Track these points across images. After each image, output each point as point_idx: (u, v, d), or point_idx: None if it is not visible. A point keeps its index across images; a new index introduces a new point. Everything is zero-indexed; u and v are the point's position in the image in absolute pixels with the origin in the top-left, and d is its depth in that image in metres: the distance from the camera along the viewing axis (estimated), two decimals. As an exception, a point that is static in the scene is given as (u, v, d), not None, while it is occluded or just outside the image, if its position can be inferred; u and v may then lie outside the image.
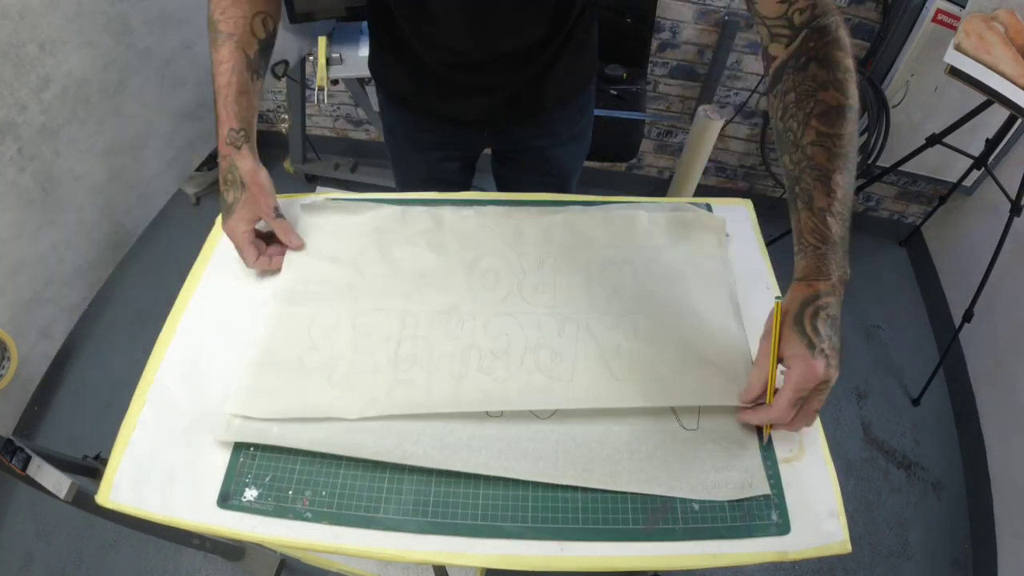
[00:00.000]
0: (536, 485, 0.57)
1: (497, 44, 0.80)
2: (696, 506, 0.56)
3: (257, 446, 0.60)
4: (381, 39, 0.91)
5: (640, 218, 0.78)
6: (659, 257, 0.74)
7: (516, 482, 0.57)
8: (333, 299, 0.71)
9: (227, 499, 0.58)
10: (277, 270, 0.74)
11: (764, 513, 0.55)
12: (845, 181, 0.54)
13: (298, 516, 0.56)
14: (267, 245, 0.75)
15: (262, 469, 0.59)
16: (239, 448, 0.61)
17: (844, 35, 0.55)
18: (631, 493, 0.56)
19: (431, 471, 0.58)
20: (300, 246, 0.75)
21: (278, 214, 0.73)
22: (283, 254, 0.75)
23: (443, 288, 0.72)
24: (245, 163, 0.71)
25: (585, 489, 0.57)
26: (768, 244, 0.78)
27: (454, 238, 0.77)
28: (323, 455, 0.59)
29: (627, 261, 0.74)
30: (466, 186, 1.15)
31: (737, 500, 0.56)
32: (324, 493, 0.58)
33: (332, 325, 0.69)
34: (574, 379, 0.63)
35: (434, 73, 0.85)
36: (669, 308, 0.69)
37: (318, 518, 0.56)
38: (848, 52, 0.55)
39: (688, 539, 0.54)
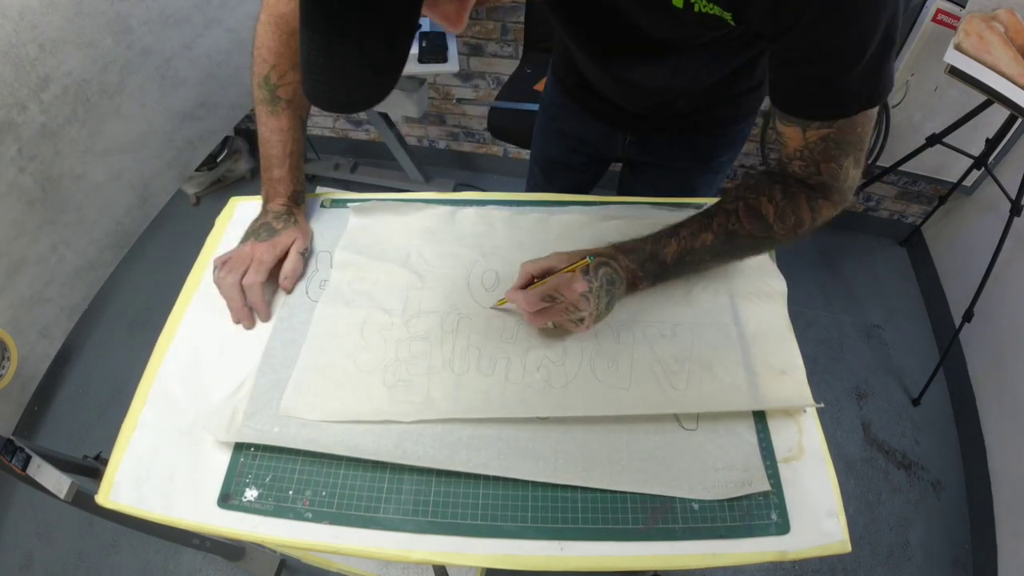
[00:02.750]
0: (536, 485, 0.57)
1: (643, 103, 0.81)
2: (696, 506, 0.56)
3: (257, 446, 0.60)
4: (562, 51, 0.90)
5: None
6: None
7: (516, 482, 0.57)
8: (384, 300, 0.71)
9: (227, 499, 0.58)
10: (252, 320, 0.70)
11: (764, 513, 0.55)
12: (709, 246, 0.64)
13: (298, 516, 0.56)
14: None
15: (262, 469, 0.59)
16: (239, 448, 0.61)
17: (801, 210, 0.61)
18: (631, 493, 0.56)
19: (431, 471, 0.58)
20: (288, 289, 0.72)
21: (303, 254, 0.74)
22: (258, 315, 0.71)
23: (495, 292, 0.71)
24: (302, 217, 0.78)
25: (585, 489, 0.57)
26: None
27: (504, 240, 0.77)
28: (323, 455, 0.59)
29: None
30: (585, 187, 1.10)
31: (736, 499, 0.56)
32: (324, 493, 0.58)
33: (385, 325, 0.68)
34: (631, 387, 0.63)
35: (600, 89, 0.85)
36: (721, 317, 0.69)
37: (318, 518, 0.56)
38: (778, 224, 0.62)
39: (688, 539, 0.54)
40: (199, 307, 0.73)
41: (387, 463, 0.59)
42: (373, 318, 0.69)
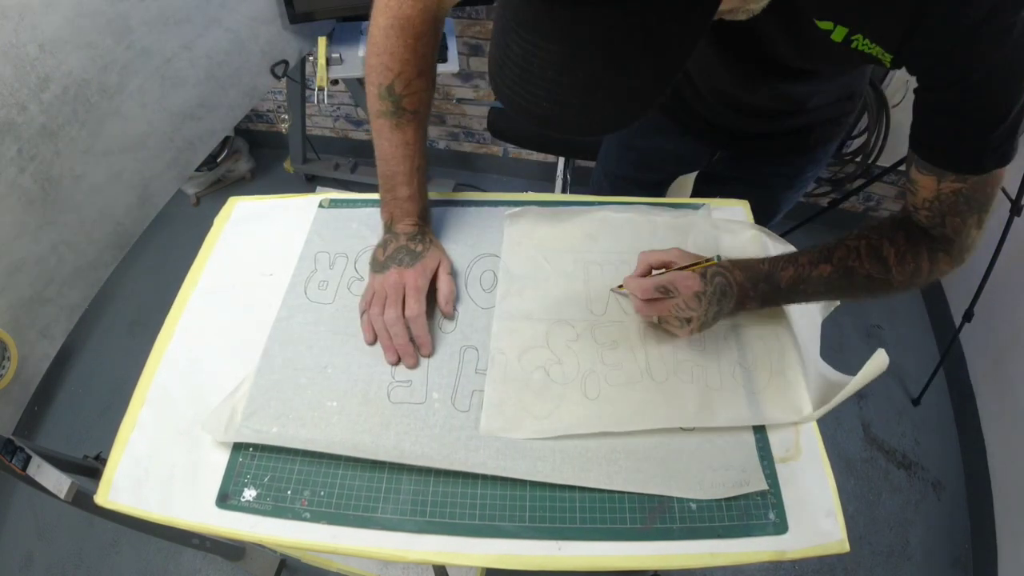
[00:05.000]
0: (534, 484, 0.57)
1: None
2: (693, 505, 0.56)
3: (256, 446, 0.61)
4: None
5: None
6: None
7: (514, 482, 0.57)
8: (562, 310, 0.70)
9: (226, 499, 0.58)
10: (415, 361, 0.66)
11: (761, 513, 0.55)
12: (826, 278, 0.62)
13: (297, 516, 0.57)
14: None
15: (261, 469, 0.60)
16: (238, 448, 0.61)
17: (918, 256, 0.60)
18: (629, 493, 0.56)
19: (429, 471, 0.58)
20: (451, 314, 0.69)
21: (452, 274, 0.71)
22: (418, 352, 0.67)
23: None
24: (432, 234, 0.74)
25: (583, 488, 0.57)
26: (767, 244, 0.78)
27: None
28: (322, 455, 0.59)
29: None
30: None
31: (734, 499, 0.56)
32: (323, 493, 0.58)
33: (572, 337, 0.67)
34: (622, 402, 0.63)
35: (702, 94, 0.83)
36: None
37: (317, 518, 0.56)
38: (898, 265, 0.61)
39: (686, 538, 0.54)
40: (197, 307, 0.73)
41: (385, 463, 0.59)
42: (558, 330, 0.68)
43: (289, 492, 0.58)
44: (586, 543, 0.54)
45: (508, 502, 0.57)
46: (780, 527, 0.55)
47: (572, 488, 0.57)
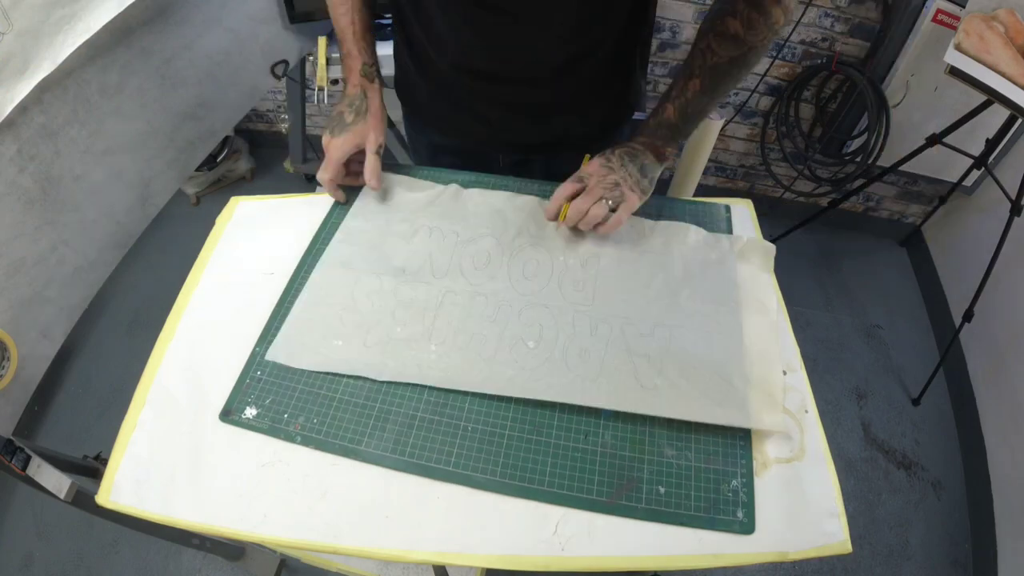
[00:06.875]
0: (510, 444, 0.60)
1: (510, 60, 0.76)
2: (662, 489, 0.56)
3: (265, 370, 0.66)
4: (403, 49, 0.87)
5: (691, 232, 0.77)
6: (705, 273, 0.73)
7: (491, 438, 0.60)
8: (378, 265, 0.74)
9: (229, 414, 0.62)
10: (339, 199, 0.79)
11: (730, 509, 0.55)
12: (700, 88, 0.68)
13: (289, 438, 0.60)
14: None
15: (265, 392, 0.64)
16: (247, 369, 0.65)
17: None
18: (601, 466, 0.58)
19: (414, 416, 0.61)
20: (376, 187, 0.77)
21: (378, 151, 0.77)
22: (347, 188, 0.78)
23: (487, 271, 0.73)
24: (376, 98, 0.78)
25: (557, 453, 0.59)
26: (768, 244, 0.78)
27: (507, 226, 0.78)
28: (319, 389, 0.64)
29: (672, 273, 0.73)
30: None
31: (704, 492, 0.56)
32: (316, 421, 0.62)
33: (375, 289, 0.71)
34: (599, 380, 0.63)
35: (450, 83, 0.82)
36: (705, 325, 0.68)
37: (306, 442, 0.60)
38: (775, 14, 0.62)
39: (648, 520, 0.55)
40: (198, 307, 0.73)
41: (375, 404, 0.62)
42: (365, 280, 0.72)
43: (286, 416, 0.62)
44: (552, 507, 0.56)
45: (483, 455, 0.59)
46: (747, 527, 0.54)
47: (547, 452, 0.59)
